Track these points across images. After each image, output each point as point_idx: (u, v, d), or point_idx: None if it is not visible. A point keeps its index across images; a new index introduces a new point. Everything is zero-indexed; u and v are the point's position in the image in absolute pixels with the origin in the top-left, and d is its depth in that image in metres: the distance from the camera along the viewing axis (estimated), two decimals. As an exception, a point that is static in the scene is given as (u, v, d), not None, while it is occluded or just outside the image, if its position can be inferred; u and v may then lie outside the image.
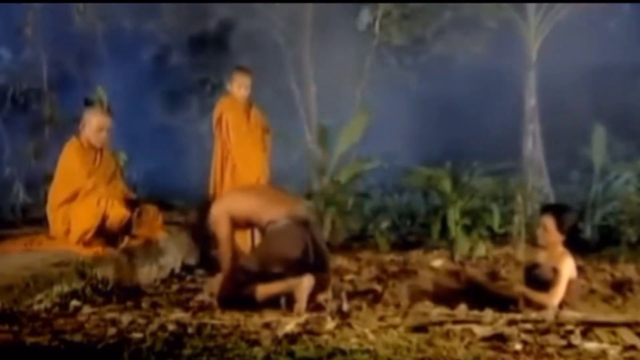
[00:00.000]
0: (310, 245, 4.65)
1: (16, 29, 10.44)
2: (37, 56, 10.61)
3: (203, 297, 4.88)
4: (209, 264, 5.95)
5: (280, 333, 3.52)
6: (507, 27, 11.95)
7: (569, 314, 4.03)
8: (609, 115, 10.01)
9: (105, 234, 5.48)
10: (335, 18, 12.05)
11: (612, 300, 5.66)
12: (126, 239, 5.59)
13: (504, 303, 4.68)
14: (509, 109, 12.00)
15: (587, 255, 7.17)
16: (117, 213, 5.47)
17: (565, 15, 11.52)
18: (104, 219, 5.43)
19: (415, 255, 7.43)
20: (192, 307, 4.58)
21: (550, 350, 3.29)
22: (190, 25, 13.66)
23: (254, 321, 3.90)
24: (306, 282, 4.49)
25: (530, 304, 4.71)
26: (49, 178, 6.32)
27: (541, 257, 5.01)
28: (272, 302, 4.51)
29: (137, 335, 3.55)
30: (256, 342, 3.38)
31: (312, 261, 4.63)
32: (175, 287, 5.56)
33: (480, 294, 4.94)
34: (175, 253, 6.15)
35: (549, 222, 4.92)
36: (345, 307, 4.39)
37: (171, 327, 3.73)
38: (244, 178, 6.68)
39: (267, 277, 4.60)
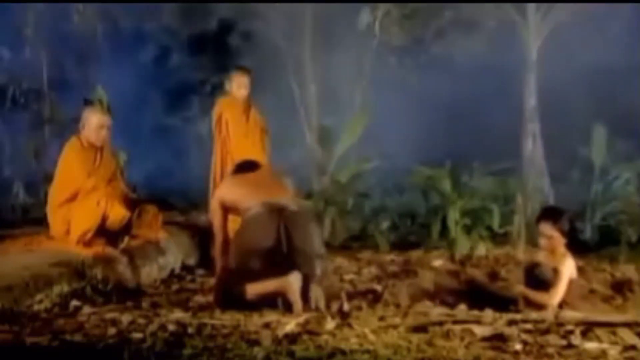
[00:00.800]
0: (282, 232, 4.42)
1: (16, 29, 10.45)
2: (37, 56, 10.63)
3: None
4: (208, 264, 5.95)
5: (280, 333, 3.51)
6: (507, 27, 11.96)
7: (569, 314, 4.03)
8: (609, 115, 9.98)
9: (105, 234, 5.47)
10: (335, 18, 12.05)
11: (612, 300, 5.64)
12: (126, 239, 5.59)
13: (504, 303, 4.67)
14: (509, 109, 12.00)
15: (587, 255, 7.16)
16: (117, 213, 5.45)
17: (565, 15, 11.52)
18: (104, 219, 5.41)
19: (415, 255, 7.41)
20: (192, 307, 4.57)
21: (550, 350, 3.28)
22: (190, 25, 13.67)
23: (254, 321, 3.88)
24: (294, 282, 4.32)
25: (531, 304, 4.71)
26: (49, 178, 6.31)
27: (541, 257, 5.01)
28: (271, 302, 4.43)
29: (137, 335, 3.54)
30: (256, 342, 3.37)
31: (286, 250, 4.42)
32: (175, 287, 5.55)
33: (480, 294, 4.94)
34: (175, 253, 6.14)
35: (548, 228, 4.91)
36: (346, 307, 4.38)
37: (171, 327, 3.72)
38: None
39: (248, 273, 4.43)
